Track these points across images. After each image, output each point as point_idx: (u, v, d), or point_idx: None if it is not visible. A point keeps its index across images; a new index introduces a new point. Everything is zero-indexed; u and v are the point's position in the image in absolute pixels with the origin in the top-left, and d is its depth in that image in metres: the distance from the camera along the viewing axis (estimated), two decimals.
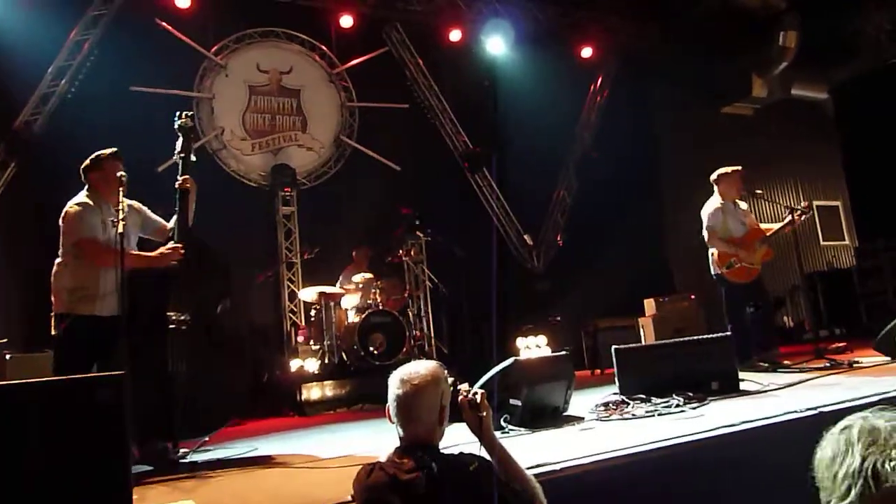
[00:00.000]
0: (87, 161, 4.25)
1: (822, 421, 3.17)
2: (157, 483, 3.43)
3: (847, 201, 13.12)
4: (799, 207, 6.19)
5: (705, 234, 6.16)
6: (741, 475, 2.86)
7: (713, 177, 6.29)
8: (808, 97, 12.72)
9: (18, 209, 7.71)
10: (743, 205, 6.39)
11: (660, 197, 11.10)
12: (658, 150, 11.29)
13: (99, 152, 4.26)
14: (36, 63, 7.92)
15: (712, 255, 6.15)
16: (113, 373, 2.55)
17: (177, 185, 4.31)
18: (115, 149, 4.27)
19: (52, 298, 4.09)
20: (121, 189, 3.94)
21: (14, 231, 7.65)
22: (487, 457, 2.17)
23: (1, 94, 7.68)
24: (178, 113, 4.48)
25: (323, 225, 9.12)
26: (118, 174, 4.05)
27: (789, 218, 6.15)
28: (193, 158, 4.45)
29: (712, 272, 6.21)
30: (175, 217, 4.34)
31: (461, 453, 2.19)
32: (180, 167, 4.38)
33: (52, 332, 4.08)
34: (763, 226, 6.36)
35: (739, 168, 6.29)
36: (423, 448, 2.12)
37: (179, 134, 4.45)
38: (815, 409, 3.31)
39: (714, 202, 6.21)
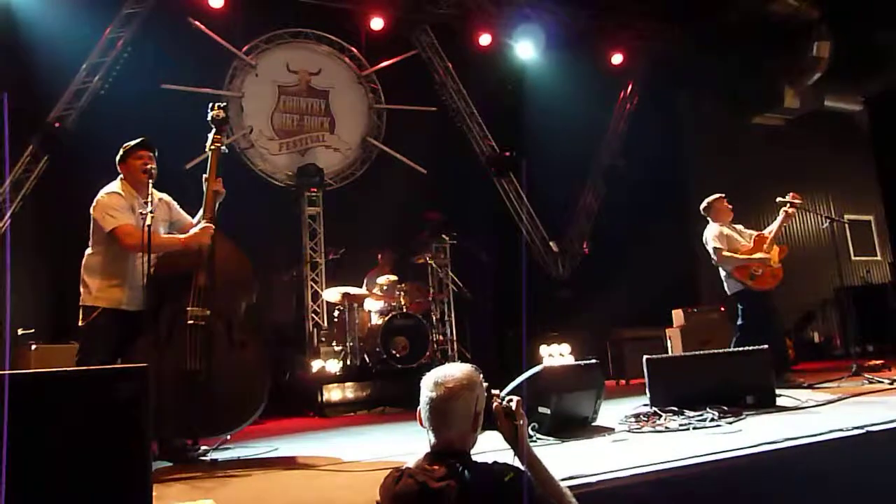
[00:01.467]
0: (120, 153, 4.24)
1: (871, 440, 3.04)
2: (176, 481, 3.37)
3: (880, 216, 12.81)
4: (787, 199, 6.15)
5: (714, 256, 6.13)
6: (785, 494, 2.73)
7: (703, 206, 6.38)
8: (841, 109, 12.45)
9: (49, 202, 7.78)
10: (738, 226, 6.40)
11: (688, 206, 10.87)
12: (687, 158, 11.09)
13: (126, 143, 4.24)
14: (70, 59, 8.02)
15: (729, 273, 6.08)
16: (136, 365, 2.49)
17: (209, 185, 4.25)
18: (141, 138, 4.24)
19: (81, 289, 4.05)
20: (150, 181, 3.93)
21: (44, 223, 7.74)
22: (521, 467, 2.07)
23: (36, 89, 7.76)
24: (210, 104, 4.47)
25: (348, 226, 9.09)
26: (147, 167, 4.05)
27: (782, 213, 6.15)
28: (225, 150, 4.44)
29: (729, 291, 6.16)
30: (200, 213, 4.32)
31: (495, 462, 2.09)
32: (209, 160, 4.34)
33: (80, 324, 4.04)
34: (763, 232, 6.30)
35: (722, 195, 6.34)
36: (455, 455, 2.03)
37: (212, 126, 4.43)
38: (862, 427, 3.16)
39: (712, 227, 6.24)
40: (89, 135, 7.89)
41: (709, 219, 6.32)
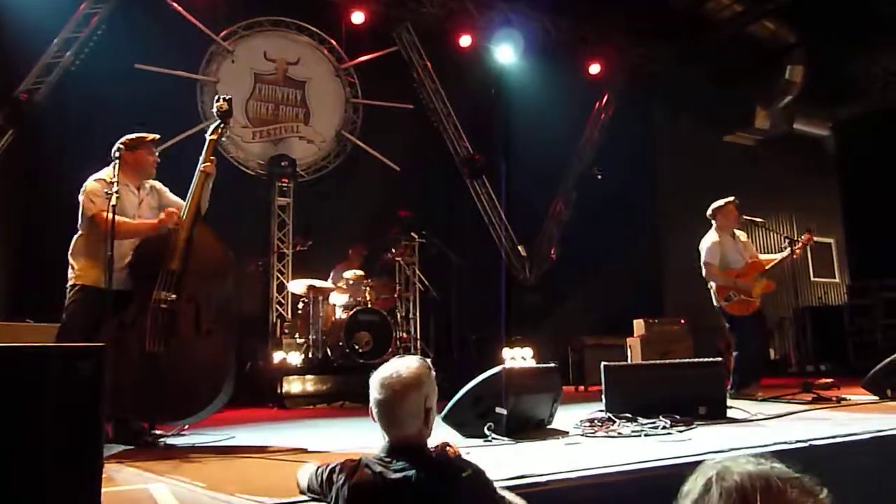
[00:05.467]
0: (127, 139, 4.26)
1: (813, 454, 3.13)
2: (129, 464, 3.34)
3: (840, 239, 13.17)
4: (800, 240, 6.18)
5: (703, 269, 6.12)
6: None
7: (709, 211, 6.28)
8: (809, 133, 12.79)
9: (13, 176, 7.62)
10: (742, 236, 6.38)
11: (656, 218, 11.09)
12: (658, 171, 11.29)
13: (141, 133, 4.33)
14: (43, 33, 7.86)
15: (712, 287, 6.14)
16: (94, 344, 2.47)
17: (201, 168, 4.34)
18: (157, 134, 4.41)
19: (69, 271, 4.18)
20: (117, 164, 3.99)
21: (7, 198, 7.56)
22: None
23: (5, 61, 7.60)
24: (217, 97, 4.56)
25: (317, 218, 9.06)
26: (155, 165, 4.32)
27: (788, 250, 6.14)
28: (224, 139, 4.61)
29: (715, 304, 6.18)
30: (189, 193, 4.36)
31: (455, 458, 2.12)
32: (205, 149, 4.42)
33: (66, 303, 4.16)
34: (763, 257, 6.35)
35: (732, 199, 6.25)
36: (412, 449, 2.04)
37: (217, 117, 4.49)
38: (805, 441, 3.27)
39: (711, 237, 6.18)
40: (58, 110, 7.77)
41: (713, 223, 6.23)
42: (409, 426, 2.04)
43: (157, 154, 4.42)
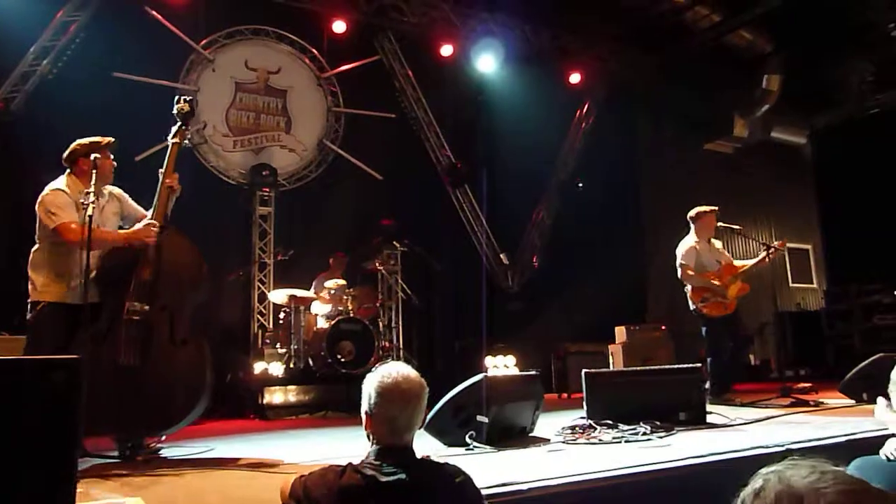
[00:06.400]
0: (77, 145, 4.09)
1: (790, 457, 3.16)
2: (106, 478, 3.29)
3: (818, 245, 13.34)
4: (774, 245, 6.27)
5: (679, 270, 6.23)
6: None
7: (691, 214, 6.38)
8: (787, 141, 12.97)
9: None
10: (717, 243, 6.50)
11: (638, 225, 11.17)
12: (639, 179, 11.39)
13: (95, 139, 4.12)
14: (19, 41, 7.77)
15: (688, 291, 6.21)
16: (69, 356, 2.43)
17: (165, 182, 4.20)
18: (112, 138, 4.17)
19: (28, 287, 3.99)
20: (94, 172, 3.85)
21: None
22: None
23: None
24: (176, 97, 4.42)
25: (299, 228, 9.03)
26: (104, 162, 4.03)
27: (763, 255, 6.24)
28: (188, 143, 4.43)
29: (691, 307, 6.26)
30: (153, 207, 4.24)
31: (446, 463, 2.10)
32: (168, 154, 4.29)
33: (27, 319, 3.98)
34: (737, 262, 6.43)
35: (716, 208, 6.38)
36: (403, 451, 2.02)
37: (177, 119, 4.37)
38: (782, 445, 3.30)
39: (689, 240, 6.31)
40: (35, 119, 7.68)
41: (692, 227, 6.35)
42: (412, 431, 2.05)
43: (113, 158, 4.18)
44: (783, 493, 1.01)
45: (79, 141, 4.12)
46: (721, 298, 6.10)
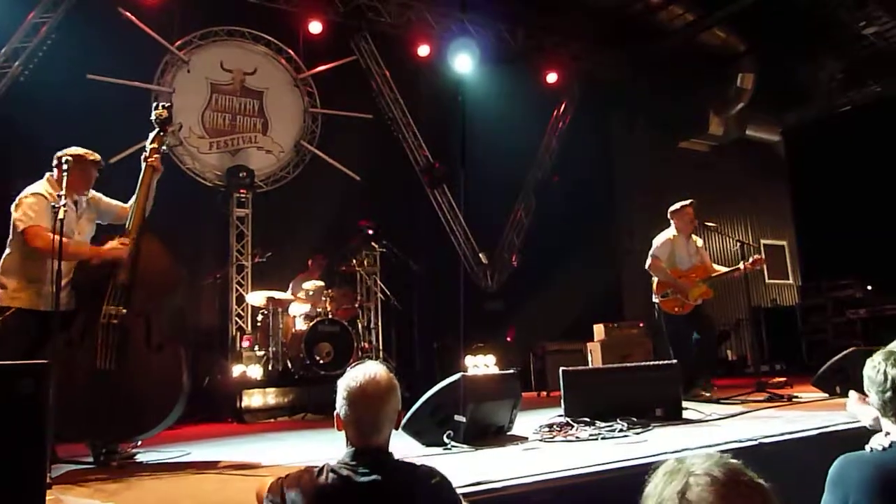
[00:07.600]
0: (69, 155, 4.02)
1: (762, 451, 3.21)
2: (77, 484, 3.25)
3: (793, 242, 13.53)
4: (751, 259, 6.27)
5: (649, 260, 6.31)
6: None
7: (670, 210, 6.45)
8: (761, 138, 13.15)
9: None
10: (698, 241, 6.54)
11: (615, 223, 11.26)
12: (615, 178, 11.48)
13: (88, 151, 4.14)
14: None
15: (653, 283, 6.30)
16: (37, 361, 2.40)
17: (148, 162, 4.24)
18: (98, 157, 4.21)
19: None
20: (64, 178, 3.83)
21: None
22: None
23: None
24: (154, 104, 4.44)
25: (277, 229, 8.96)
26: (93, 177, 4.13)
27: (738, 266, 6.29)
28: (165, 149, 4.43)
29: (653, 300, 6.34)
30: (132, 202, 4.25)
31: (423, 465, 2.09)
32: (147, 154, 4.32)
33: None
34: (715, 266, 6.51)
35: (692, 201, 6.43)
36: (379, 452, 2.01)
37: (156, 126, 4.38)
38: (755, 440, 3.34)
39: (667, 233, 6.38)
40: (6, 121, 7.54)
41: (671, 222, 6.40)
42: (385, 432, 2.02)
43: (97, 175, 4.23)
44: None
45: (74, 150, 4.08)
46: (681, 297, 6.17)
